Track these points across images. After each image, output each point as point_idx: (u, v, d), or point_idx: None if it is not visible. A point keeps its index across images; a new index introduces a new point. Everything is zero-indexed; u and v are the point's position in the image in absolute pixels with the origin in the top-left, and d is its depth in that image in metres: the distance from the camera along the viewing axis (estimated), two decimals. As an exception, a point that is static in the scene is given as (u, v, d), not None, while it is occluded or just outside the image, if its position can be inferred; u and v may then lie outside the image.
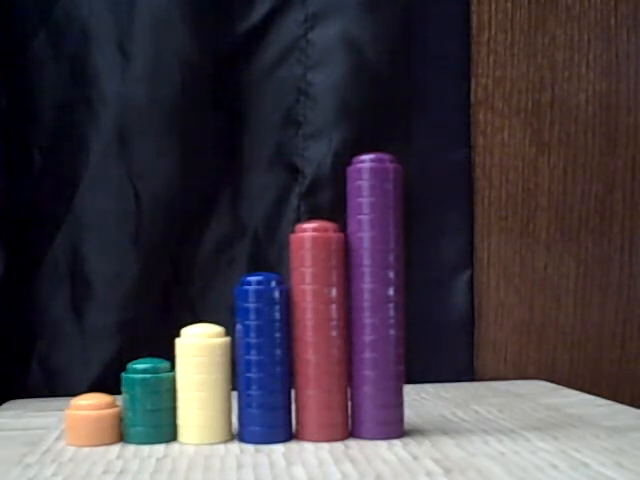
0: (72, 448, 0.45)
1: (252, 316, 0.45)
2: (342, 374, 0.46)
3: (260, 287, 0.45)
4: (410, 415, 0.52)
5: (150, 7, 0.64)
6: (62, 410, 0.48)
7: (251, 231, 0.68)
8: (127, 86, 0.64)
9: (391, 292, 0.45)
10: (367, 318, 0.45)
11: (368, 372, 0.45)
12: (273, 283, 0.45)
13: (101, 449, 0.45)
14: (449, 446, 0.44)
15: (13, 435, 0.50)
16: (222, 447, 0.45)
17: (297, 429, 0.46)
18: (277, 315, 0.45)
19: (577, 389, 0.66)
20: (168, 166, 0.65)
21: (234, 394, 0.46)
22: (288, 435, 0.46)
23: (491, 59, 0.72)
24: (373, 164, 0.45)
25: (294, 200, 0.68)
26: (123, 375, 0.46)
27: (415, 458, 0.41)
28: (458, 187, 0.71)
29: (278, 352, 0.45)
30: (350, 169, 0.46)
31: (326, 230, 0.46)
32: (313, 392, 0.45)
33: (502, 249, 0.72)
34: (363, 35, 0.66)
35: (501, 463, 0.40)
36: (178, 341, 0.46)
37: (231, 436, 0.47)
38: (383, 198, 0.45)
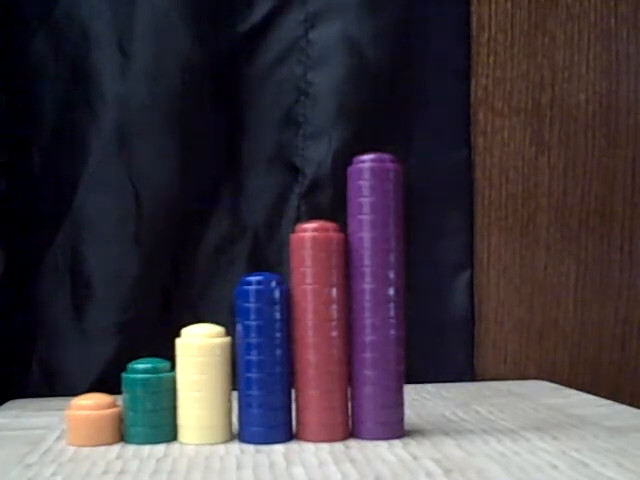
0: (72, 448, 0.45)
1: (252, 316, 0.45)
2: (342, 374, 0.46)
3: (260, 287, 0.45)
4: (410, 415, 0.52)
5: (150, 7, 0.64)
6: (62, 410, 0.48)
7: (251, 231, 0.68)
8: (127, 86, 0.64)
9: (391, 292, 0.45)
10: (367, 318, 0.45)
11: (368, 372, 0.45)
12: (273, 283, 0.45)
13: (101, 449, 0.45)
14: (449, 446, 0.44)
15: (13, 435, 0.50)
16: (222, 447, 0.45)
17: (297, 429, 0.46)
18: (277, 315, 0.45)
19: (577, 389, 0.66)
20: (168, 166, 0.65)
21: (234, 394, 0.46)
22: (288, 435, 0.46)
23: (491, 59, 0.72)
24: (373, 164, 0.45)
25: (294, 200, 0.68)
26: (123, 375, 0.46)
27: (415, 458, 0.41)
28: (458, 187, 0.71)
29: (278, 352, 0.45)
30: (350, 169, 0.46)
31: (326, 230, 0.46)
32: (313, 392, 0.45)
33: (502, 249, 0.72)
34: (363, 35, 0.66)
35: (501, 463, 0.40)
36: (178, 341, 0.46)
37: (231, 436, 0.47)
38: (383, 198, 0.45)
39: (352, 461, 0.41)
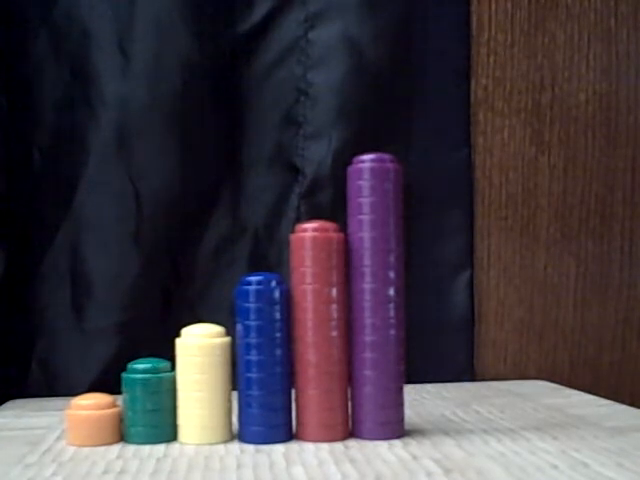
0: (72, 448, 0.45)
1: (252, 316, 0.45)
2: (342, 374, 0.46)
3: (260, 287, 0.45)
4: (410, 415, 0.52)
5: (150, 7, 0.64)
6: (62, 410, 0.48)
7: (251, 231, 0.68)
8: (127, 86, 0.64)
9: (392, 292, 0.45)
10: (367, 318, 0.45)
11: (368, 372, 0.45)
12: (273, 283, 0.45)
13: (101, 449, 0.45)
14: (449, 446, 0.44)
15: (13, 435, 0.50)
16: (222, 447, 0.45)
17: (297, 429, 0.46)
18: (277, 315, 0.45)
19: (577, 389, 0.66)
20: (168, 166, 0.65)
21: (234, 394, 0.46)
22: (288, 435, 0.46)
23: (491, 59, 0.72)
24: (373, 164, 0.45)
25: (294, 200, 0.68)
26: (123, 375, 0.46)
27: (415, 458, 0.41)
28: (458, 187, 0.71)
29: (278, 352, 0.45)
30: (350, 169, 0.46)
31: (326, 230, 0.46)
32: (313, 392, 0.45)
33: (502, 249, 0.72)
34: (363, 35, 0.66)
35: (501, 463, 0.40)
36: (178, 341, 0.46)
37: (231, 436, 0.47)
38: (383, 198, 0.45)
39: (352, 461, 0.41)
